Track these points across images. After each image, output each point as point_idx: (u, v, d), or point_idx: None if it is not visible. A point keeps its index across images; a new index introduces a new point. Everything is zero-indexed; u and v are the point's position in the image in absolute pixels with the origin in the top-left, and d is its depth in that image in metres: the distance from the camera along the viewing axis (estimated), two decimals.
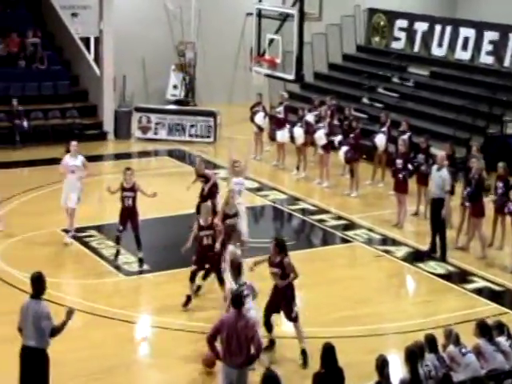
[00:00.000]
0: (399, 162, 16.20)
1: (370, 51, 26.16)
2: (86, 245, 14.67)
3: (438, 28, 24.02)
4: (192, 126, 22.69)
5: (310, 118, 19.49)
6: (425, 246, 15.03)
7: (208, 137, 22.64)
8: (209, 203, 13.63)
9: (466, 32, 23.16)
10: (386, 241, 15.66)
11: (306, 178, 19.36)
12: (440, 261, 14.51)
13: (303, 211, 17.20)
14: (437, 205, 14.74)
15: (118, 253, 14.00)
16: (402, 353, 8.69)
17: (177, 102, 25.19)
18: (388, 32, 25.66)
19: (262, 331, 10.20)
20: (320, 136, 18.63)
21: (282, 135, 19.81)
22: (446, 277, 13.97)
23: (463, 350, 9.07)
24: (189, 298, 11.96)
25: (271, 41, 20.28)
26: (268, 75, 20.92)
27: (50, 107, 22.10)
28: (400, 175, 16.14)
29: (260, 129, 20.78)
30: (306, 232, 16.69)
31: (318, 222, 16.56)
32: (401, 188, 16.23)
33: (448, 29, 23.72)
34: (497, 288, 13.59)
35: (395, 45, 25.36)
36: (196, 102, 25.78)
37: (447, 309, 12.70)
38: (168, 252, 14.26)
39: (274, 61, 20.09)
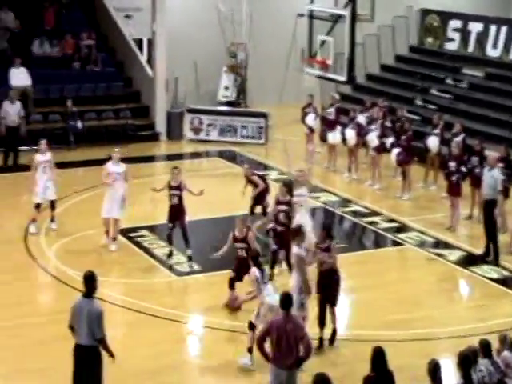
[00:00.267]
0: (452, 164, 16.00)
1: (422, 52, 25.90)
2: (138, 245, 14.81)
3: (492, 28, 23.67)
4: (243, 127, 22.74)
5: (361, 119, 19.38)
6: (478, 250, 14.81)
7: (259, 138, 22.67)
8: (247, 213, 13.73)
9: None
10: (438, 244, 15.48)
11: (357, 180, 19.26)
12: (494, 265, 14.30)
13: (355, 213, 17.10)
14: (490, 206, 14.51)
15: (171, 253, 14.13)
16: (454, 358, 8.58)
17: (228, 104, 25.28)
18: (441, 33, 25.37)
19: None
20: (372, 138, 18.52)
21: (334, 137, 19.73)
22: (501, 281, 13.75)
23: None
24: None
25: (323, 42, 20.25)
26: (319, 76, 20.88)
27: (104, 108, 22.38)
28: (453, 178, 15.94)
29: (311, 130, 20.74)
30: (358, 234, 16.60)
31: (370, 224, 16.46)
32: (454, 191, 16.02)
33: (503, 29, 23.36)
34: None
35: (449, 46, 25.06)
36: (247, 103, 25.84)
37: (501, 314, 12.48)
38: None
39: (326, 62, 20.05)
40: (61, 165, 17.40)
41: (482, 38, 23.99)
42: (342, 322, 11.91)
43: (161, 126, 22.80)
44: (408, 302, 12.86)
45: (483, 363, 8.71)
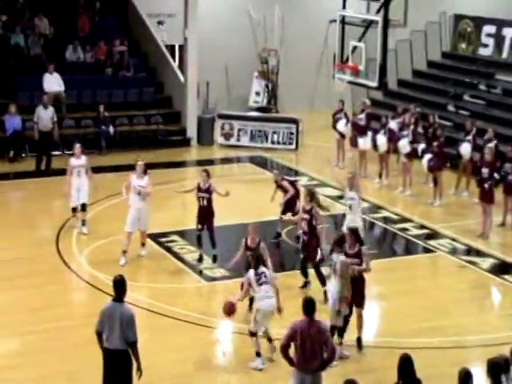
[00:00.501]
0: (485, 171, 15.85)
1: (455, 58, 25.71)
2: (168, 249, 14.86)
3: None
4: (274, 132, 22.74)
5: (393, 125, 19.28)
6: (511, 258, 14.63)
7: (290, 144, 22.65)
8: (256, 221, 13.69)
9: None
10: (470, 251, 15.33)
11: (388, 186, 19.15)
12: None
13: (385, 220, 17.01)
14: None
15: (201, 258, 14.21)
16: (485, 366, 8.47)
17: (259, 109, 25.31)
18: (475, 38, 25.16)
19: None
20: (404, 144, 18.43)
21: (364, 142, 19.66)
22: None
23: None
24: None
25: (354, 48, 20.16)
26: (351, 82, 20.79)
27: (135, 113, 22.53)
28: (486, 185, 15.79)
29: (342, 136, 20.68)
30: (388, 241, 16.50)
31: (401, 230, 16.35)
32: (486, 198, 15.86)
33: None
34: None
35: (482, 51, 24.84)
36: (278, 108, 25.85)
37: None
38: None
39: (357, 68, 19.95)
40: (92, 169, 17.45)
41: None
42: (371, 329, 11.86)
43: (192, 131, 22.88)
44: (438, 309, 12.75)
45: None
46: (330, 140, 21.13)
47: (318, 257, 12.72)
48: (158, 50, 24.11)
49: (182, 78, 23.29)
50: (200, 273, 13.91)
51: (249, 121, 23.07)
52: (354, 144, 20.27)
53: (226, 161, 21.92)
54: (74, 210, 15.53)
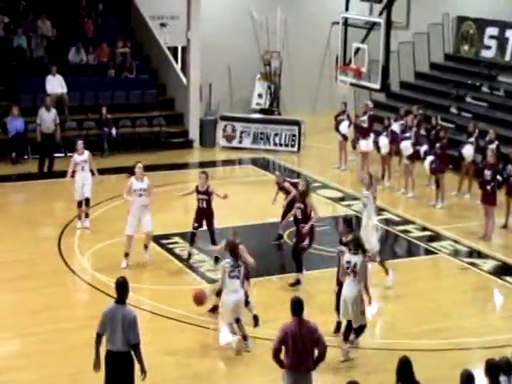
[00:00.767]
0: (488, 172, 15.84)
1: (458, 60, 25.71)
2: (170, 251, 14.87)
3: None
4: (276, 134, 22.74)
5: (395, 127, 19.28)
6: None
7: (292, 146, 22.65)
8: None
9: None
10: (472, 253, 15.32)
11: (390, 188, 19.15)
12: None
13: (387, 221, 17.00)
14: None
15: (189, 255, 14.38)
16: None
17: (261, 111, 25.32)
18: (477, 40, 25.16)
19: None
20: (406, 146, 18.42)
21: (367, 144, 19.66)
22: None
23: None
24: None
25: (357, 50, 20.16)
26: (353, 84, 20.79)
27: (138, 115, 22.54)
28: (488, 186, 15.78)
29: (344, 138, 20.68)
30: (390, 243, 16.47)
31: (402, 232, 16.35)
32: (489, 200, 15.85)
33: None
34: None
35: (485, 53, 24.84)
36: (280, 110, 25.85)
37: None
38: None
39: (360, 70, 19.94)
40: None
41: None
42: (373, 331, 11.84)
43: (194, 133, 22.89)
44: (440, 311, 12.73)
45: None
46: (333, 142, 21.12)
47: (305, 243, 13.15)
48: (161, 52, 24.12)
49: (184, 80, 23.29)
50: (202, 275, 13.87)
51: (251, 123, 23.07)
52: (355, 146, 20.26)
53: (228, 163, 21.93)
54: (80, 204, 15.79)
